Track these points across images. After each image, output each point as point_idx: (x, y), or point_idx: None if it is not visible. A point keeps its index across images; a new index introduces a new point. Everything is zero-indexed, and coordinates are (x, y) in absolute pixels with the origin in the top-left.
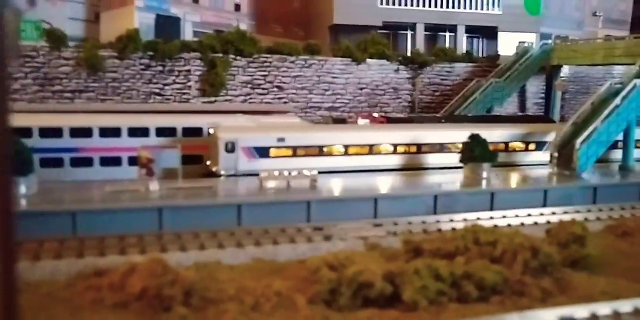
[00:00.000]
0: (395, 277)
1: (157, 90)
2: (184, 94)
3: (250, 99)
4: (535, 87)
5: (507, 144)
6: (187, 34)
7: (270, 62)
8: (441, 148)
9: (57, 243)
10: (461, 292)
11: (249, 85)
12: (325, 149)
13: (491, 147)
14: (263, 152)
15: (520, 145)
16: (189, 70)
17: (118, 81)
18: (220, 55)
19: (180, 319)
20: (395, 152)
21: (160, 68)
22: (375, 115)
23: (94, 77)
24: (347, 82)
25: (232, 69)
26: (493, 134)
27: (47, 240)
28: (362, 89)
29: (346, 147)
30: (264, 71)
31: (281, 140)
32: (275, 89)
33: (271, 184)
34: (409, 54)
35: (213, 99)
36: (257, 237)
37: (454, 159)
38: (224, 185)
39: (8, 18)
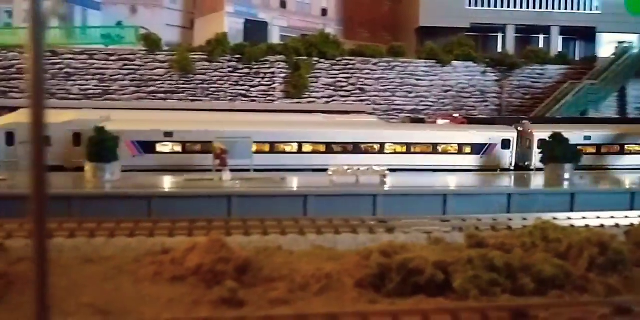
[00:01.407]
0: (447, 266)
1: (243, 92)
2: (268, 95)
3: (333, 100)
4: (637, 91)
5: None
6: (275, 38)
7: (353, 65)
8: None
9: (132, 223)
10: (517, 284)
11: (332, 87)
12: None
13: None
14: (148, 147)
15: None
16: (273, 73)
17: (207, 82)
18: (304, 57)
19: (228, 292)
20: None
21: (246, 70)
22: (456, 115)
23: (185, 79)
24: (431, 84)
25: (315, 71)
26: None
27: (123, 220)
28: (446, 91)
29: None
30: (347, 73)
31: (168, 135)
32: (358, 91)
33: (340, 179)
34: (497, 56)
35: (296, 100)
36: (320, 226)
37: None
38: (297, 177)
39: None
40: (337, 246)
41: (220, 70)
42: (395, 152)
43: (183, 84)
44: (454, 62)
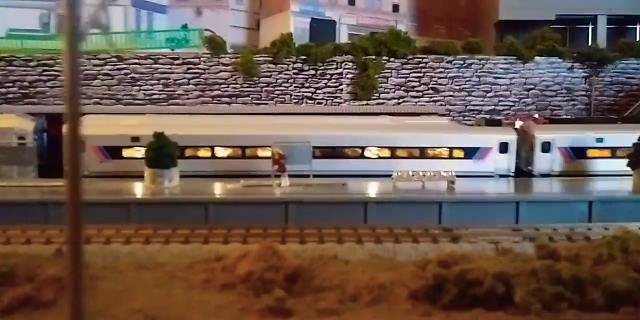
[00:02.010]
0: (509, 278)
1: (309, 94)
2: (335, 97)
3: (404, 101)
4: None
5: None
6: (343, 37)
7: (425, 63)
8: None
9: (187, 230)
10: (585, 299)
11: (402, 88)
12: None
13: None
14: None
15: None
16: (340, 73)
17: (272, 85)
18: (373, 57)
19: (276, 301)
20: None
21: (312, 71)
22: (536, 115)
23: (249, 82)
24: (511, 83)
25: (385, 71)
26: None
27: (179, 227)
28: (528, 89)
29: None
30: (419, 72)
31: (135, 139)
32: (430, 91)
33: (404, 185)
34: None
35: (364, 102)
36: (379, 235)
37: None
38: (359, 183)
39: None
40: (396, 256)
41: (286, 72)
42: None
43: (247, 87)
44: (537, 58)
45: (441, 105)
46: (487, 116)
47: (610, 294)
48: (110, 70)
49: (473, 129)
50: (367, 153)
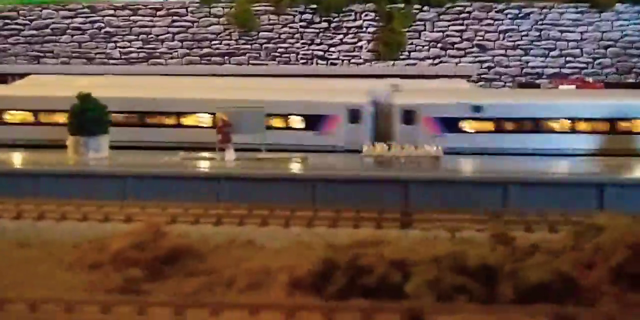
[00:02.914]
0: (408, 265)
1: (321, 53)
2: (354, 56)
3: (440, 62)
4: None
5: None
6: None
7: (469, 13)
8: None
9: (92, 206)
10: (493, 291)
11: (439, 44)
12: None
13: None
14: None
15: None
16: (360, 26)
17: (273, 41)
18: (401, 5)
19: (125, 281)
20: None
21: (324, 24)
22: (589, 79)
23: (246, 38)
24: (582, 38)
25: (416, 24)
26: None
27: (80, 202)
28: (606, 47)
29: None
30: (460, 25)
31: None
32: (475, 49)
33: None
34: None
35: (391, 62)
36: (313, 217)
37: None
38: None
39: None
40: (333, 240)
41: (291, 25)
42: None
43: (244, 43)
44: (618, 6)
45: (490, 67)
46: (536, 80)
47: (521, 287)
48: (81, 23)
49: (317, 92)
50: None
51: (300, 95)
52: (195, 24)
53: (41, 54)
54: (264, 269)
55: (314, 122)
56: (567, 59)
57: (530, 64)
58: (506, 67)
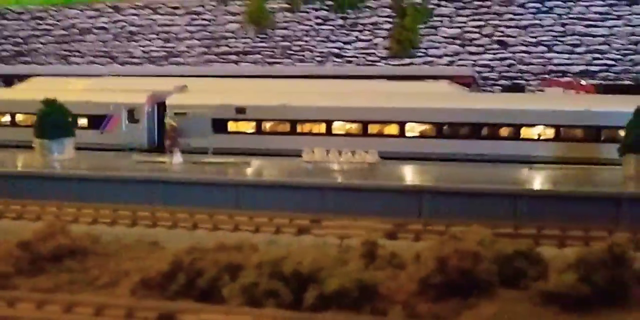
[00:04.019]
0: (239, 270)
1: (336, 50)
2: (369, 54)
3: (459, 59)
4: None
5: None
6: None
7: (489, 7)
8: None
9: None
10: (298, 297)
11: (457, 41)
12: None
13: None
14: None
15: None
16: (375, 23)
17: (289, 39)
18: (418, 0)
19: None
20: None
21: (340, 21)
22: (583, 82)
23: (263, 36)
24: (611, 33)
25: (434, 20)
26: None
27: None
28: (637, 43)
29: None
30: (479, 20)
31: None
32: (495, 46)
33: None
34: None
35: (408, 60)
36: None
37: None
38: (262, 162)
39: None
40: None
41: (306, 22)
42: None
43: (260, 41)
44: None
45: (511, 65)
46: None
47: (321, 293)
48: (105, 22)
49: (106, 92)
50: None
51: (86, 96)
52: (213, 22)
53: (69, 53)
54: (125, 268)
55: (97, 121)
56: (594, 55)
57: (554, 61)
58: (528, 64)
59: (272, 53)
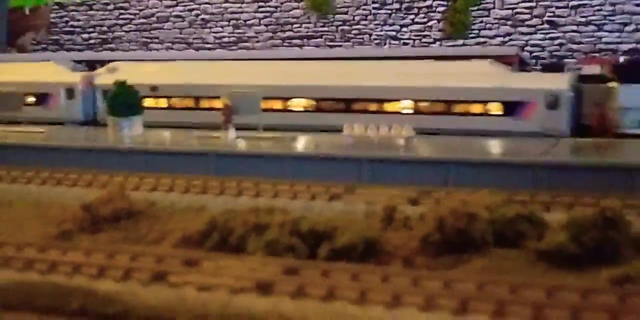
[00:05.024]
0: (265, 228)
1: (393, 33)
2: (424, 36)
3: (510, 40)
4: None
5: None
6: None
7: None
8: None
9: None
10: (314, 251)
11: (509, 22)
12: None
13: None
14: None
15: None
16: (430, 6)
17: (348, 23)
18: None
19: (62, 234)
20: None
21: (396, 5)
22: (621, 59)
23: (324, 21)
24: None
25: (486, 2)
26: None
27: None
28: None
29: None
30: (530, 1)
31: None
32: (546, 26)
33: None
34: None
35: (460, 41)
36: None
37: None
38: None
39: None
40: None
41: (364, 7)
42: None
43: (321, 26)
44: None
45: (561, 44)
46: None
47: (334, 248)
48: (181, 11)
49: (50, 74)
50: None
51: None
52: (279, 8)
53: (149, 40)
54: (171, 228)
55: (43, 98)
56: None
57: (604, 40)
58: (579, 43)
59: (332, 37)
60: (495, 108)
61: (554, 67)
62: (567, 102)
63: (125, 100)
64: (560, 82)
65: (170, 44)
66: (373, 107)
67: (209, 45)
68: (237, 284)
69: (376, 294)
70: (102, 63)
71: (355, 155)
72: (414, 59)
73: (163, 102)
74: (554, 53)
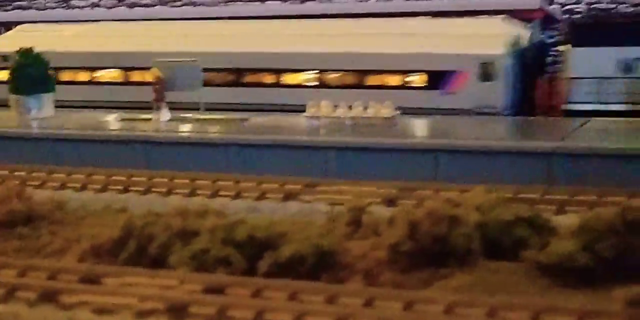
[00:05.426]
0: (191, 236)
1: None
2: None
3: None
4: None
5: None
6: None
7: None
8: None
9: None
10: (251, 264)
11: None
12: None
13: None
14: None
15: None
16: None
17: None
18: None
19: None
20: None
21: None
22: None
23: None
24: None
25: None
26: None
27: None
28: None
29: None
30: None
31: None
32: None
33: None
34: None
35: None
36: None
37: None
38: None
39: None
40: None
41: None
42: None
43: None
44: None
45: None
46: None
47: (276, 260)
48: None
49: None
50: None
51: None
52: None
53: None
54: (81, 235)
55: None
56: None
57: None
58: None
59: None
60: (418, 80)
61: None
62: (504, 71)
63: (32, 74)
64: (494, 45)
65: (96, 1)
66: (269, 79)
67: (145, 1)
68: (143, 306)
69: (314, 318)
70: (8, 26)
71: (320, 142)
72: (410, 15)
73: (82, 76)
74: (594, 5)
